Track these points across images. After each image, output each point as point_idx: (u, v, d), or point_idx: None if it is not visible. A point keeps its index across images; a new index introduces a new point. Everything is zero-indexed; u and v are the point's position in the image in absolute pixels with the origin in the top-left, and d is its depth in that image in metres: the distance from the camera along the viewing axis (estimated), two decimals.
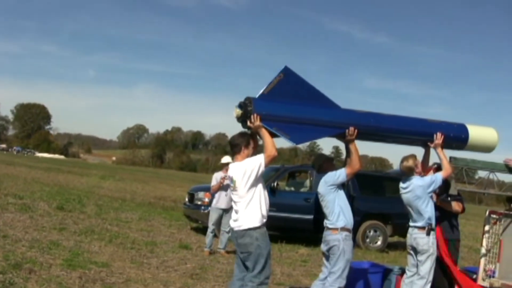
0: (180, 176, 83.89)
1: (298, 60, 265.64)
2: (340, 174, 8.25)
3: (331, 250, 8.22)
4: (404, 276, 9.28)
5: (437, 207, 9.27)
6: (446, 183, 9.09)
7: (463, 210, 10.12)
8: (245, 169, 7.35)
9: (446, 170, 8.81)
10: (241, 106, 7.64)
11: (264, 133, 7.40)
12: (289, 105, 7.79)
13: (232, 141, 7.75)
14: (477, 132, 9.26)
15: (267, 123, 7.47)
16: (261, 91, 7.70)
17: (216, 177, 14.54)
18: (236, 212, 7.53)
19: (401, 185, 9.04)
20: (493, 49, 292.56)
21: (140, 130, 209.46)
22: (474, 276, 10.27)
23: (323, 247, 8.41)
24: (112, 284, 9.55)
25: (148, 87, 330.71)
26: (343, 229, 8.19)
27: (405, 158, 8.93)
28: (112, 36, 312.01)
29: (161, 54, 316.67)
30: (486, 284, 10.02)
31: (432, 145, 8.89)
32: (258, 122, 7.39)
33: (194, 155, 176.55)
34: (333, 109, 8.23)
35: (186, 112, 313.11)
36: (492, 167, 9.70)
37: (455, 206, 9.85)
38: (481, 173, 10.00)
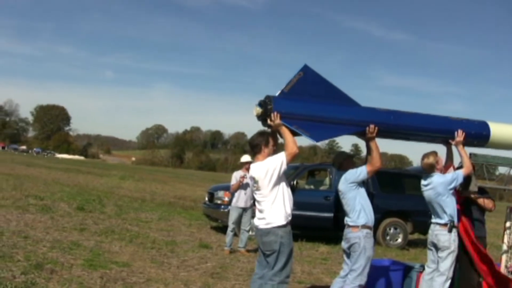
0: (199, 176, 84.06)
1: (316, 59, 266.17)
2: (361, 172, 8.24)
3: (352, 248, 8.21)
4: (424, 272, 9.25)
5: (463, 203, 9.23)
6: (466, 180, 9.04)
7: (494, 207, 10.04)
8: (267, 168, 7.34)
9: (467, 167, 8.77)
10: (261, 104, 7.67)
11: (285, 131, 7.41)
12: (309, 103, 7.82)
13: (251, 141, 7.74)
14: (499, 129, 9.22)
15: (287, 121, 7.49)
16: (281, 90, 7.73)
17: (236, 176, 14.54)
18: (261, 211, 7.50)
19: (423, 182, 9.01)
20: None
21: (159, 130, 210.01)
22: None
23: (344, 244, 8.40)
24: (133, 283, 9.58)
25: (165, 88, 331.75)
26: (364, 226, 8.18)
27: (425, 155, 8.92)
28: (128, 37, 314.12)
29: (177, 54, 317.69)
30: None
31: (453, 143, 8.87)
32: (278, 120, 7.42)
33: (213, 154, 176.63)
34: (353, 107, 8.24)
35: (204, 112, 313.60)
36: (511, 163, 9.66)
37: (488, 203, 9.78)
38: (502, 170, 9.94)
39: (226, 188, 17.30)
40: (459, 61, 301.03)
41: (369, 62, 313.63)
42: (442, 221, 8.75)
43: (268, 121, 7.54)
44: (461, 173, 8.76)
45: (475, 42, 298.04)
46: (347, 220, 8.36)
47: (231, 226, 14.40)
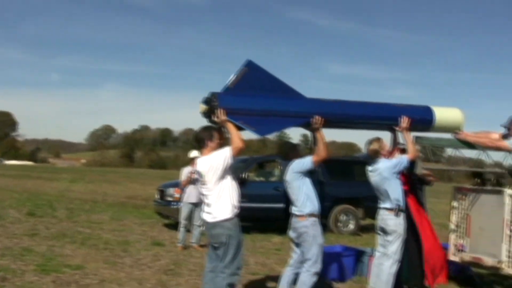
0: (150, 174, 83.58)
1: (263, 52, 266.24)
2: (306, 162, 8.34)
3: (301, 238, 8.33)
4: (374, 257, 9.39)
5: (410, 186, 9.39)
6: (412, 163, 9.20)
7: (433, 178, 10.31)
8: (212, 162, 7.47)
9: (411, 152, 8.95)
10: (206, 101, 7.83)
11: (230, 126, 7.54)
12: (254, 98, 7.98)
13: (196, 136, 7.91)
14: (442, 114, 9.44)
15: (232, 116, 7.62)
16: (225, 86, 7.86)
17: (185, 172, 14.54)
18: (208, 205, 7.64)
19: (369, 168, 9.15)
20: (453, 29, 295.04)
21: (108, 130, 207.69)
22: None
23: (292, 234, 8.52)
24: (86, 286, 9.55)
25: (113, 87, 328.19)
26: (310, 215, 8.29)
27: (369, 142, 9.06)
28: (74, 39, 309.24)
29: (125, 53, 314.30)
30: (456, 258, 10.16)
31: (398, 129, 9.04)
32: (223, 117, 7.55)
33: (164, 152, 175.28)
34: (297, 100, 8.40)
35: (153, 110, 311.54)
36: (456, 144, 9.84)
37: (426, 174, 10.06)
38: (451, 152, 10.15)
39: (177, 185, 17.25)
40: (403, 47, 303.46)
41: (316, 52, 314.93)
42: (389, 206, 8.89)
43: (214, 118, 7.65)
44: (405, 157, 8.92)
45: (418, 28, 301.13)
46: (293, 210, 8.46)
47: (183, 222, 14.41)
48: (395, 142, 9.45)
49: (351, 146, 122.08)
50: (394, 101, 9.36)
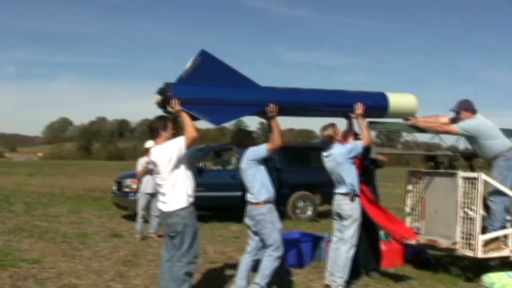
0: (108, 166, 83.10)
1: (218, 40, 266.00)
2: (261, 150, 8.36)
3: (259, 225, 8.36)
4: (331, 242, 9.47)
5: (362, 170, 9.47)
6: (367, 149, 9.30)
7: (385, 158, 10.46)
8: (166, 152, 7.52)
9: (366, 139, 9.05)
10: (160, 92, 7.92)
11: (185, 116, 7.63)
12: (208, 88, 8.07)
13: (150, 125, 7.93)
14: (397, 100, 9.64)
15: (187, 106, 7.70)
16: (179, 76, 7.93)
17: (141, 163, 14.48)
18: (163, 195, 7.70)
19: (323, 154, 9.22)
20: (408, 14, 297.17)
21: (64, 123, 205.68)
22: None
23: (249, 221, 8.56)
24: (44, 279, 9.49)
25: (69, 79, 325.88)
26: (266, 202, 8.34)
27: (324, 128, 9.12)
28: (28, 31, 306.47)
29: (79, 44, 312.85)
30: (412, 241, 10.29)
31: (353, 116, 9.14)
32: (178, 107, 7.65)
33: (121, 143, 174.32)
34: (252, 88, 8.51)
35: (109, 101, 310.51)
36: (409, 128, 9.98)
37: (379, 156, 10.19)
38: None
39: (134, 176, 17.20)
40: (358, 33, 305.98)
41: (270, 40, 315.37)
42: (344, 191, 8.98)
43: (168, 108, 7.73)
44: (360, 143, 9.02)
45: (373, 14, 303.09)
46: (249, 197, 8.50)
47: (140, 213, 14.36)
48: (350, 128, 9.55)
49: (309, 133, 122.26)
50: (350, 87, 9.55)
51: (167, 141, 7.62)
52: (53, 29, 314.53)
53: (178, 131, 7.86)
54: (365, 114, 9.19)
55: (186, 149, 7.56)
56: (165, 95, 7.79)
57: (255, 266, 8.53)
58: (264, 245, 8.44)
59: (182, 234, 7.54)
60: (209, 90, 8.07)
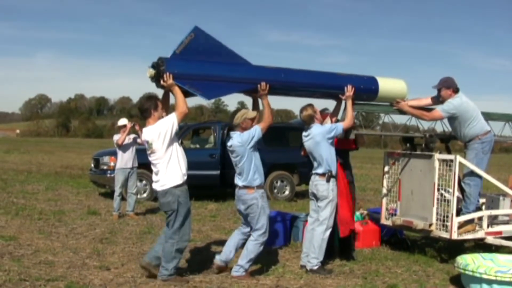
0: (86, 144, 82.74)
1: (198, 18, 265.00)
2: (257, 132, 8.35)
3: (250, 209, 8.41)
4: (307, 222, 9.51)
5: (339, 154, 9.49)
6: (346, 132, 9.38)
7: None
8: (160, 130, 7.69)
9: (349, 120, 9.12)
10: (154, 66, 8.03)
11: (177, 91, 7.79)
12: (201, 63, 8.18)
13: (140, 106, 8.10)
14: (387, 84, 9.78)
15: (179, 81, 7.86)
16: (173, 51, 8.05)
17: (115, 139, 14.40)
18: (156, 173, 7.88)
19: (303, 133, 9.25)
20: None
21: (42, 100, 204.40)
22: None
23: (240, 206, 8.56)
24: (20, 256, 9.46)
25: (48, 56, 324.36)
26: (259, 187, 8.43)
27: (303, 108, 9.14)
28: (6, 6, 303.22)
29: (58, 21, 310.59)
30: (388, 222, 10.39)
31: (343, 98, 9.24)
32: (170, 81, 7.77)
33: (100, 121, 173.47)
34: (244, 66, 8.63)
35: (88, 79, 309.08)
36: (387, 110, 10.04)
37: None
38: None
39: (112, 153, 17.19)
40: (340, 15, 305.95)
41: (252, 19, 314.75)
42: (321, 171, 9.02)
43: (161, 82, 7.84)
44: (340, 125, 9.05)
45: None
46: (239, 181, 8.50)
47: (117, 190, 14.37)
48: (336, 110, 9.63)
49: (287, 113, 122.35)
50: (330, 69, 9.56)
51: (158, 120, 7.80)
52: (32, 5, 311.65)
53: (166, 109, 8.14)
54: (355, 97, 9.33)
55: (178, 125, 7.77)
56: (159, 69, 7.90)
57: (243, 244, 8.63)
58: (251, 229, 8.52)
59: (176, 212, 7.75)
60: (201, 66, 8.18)
